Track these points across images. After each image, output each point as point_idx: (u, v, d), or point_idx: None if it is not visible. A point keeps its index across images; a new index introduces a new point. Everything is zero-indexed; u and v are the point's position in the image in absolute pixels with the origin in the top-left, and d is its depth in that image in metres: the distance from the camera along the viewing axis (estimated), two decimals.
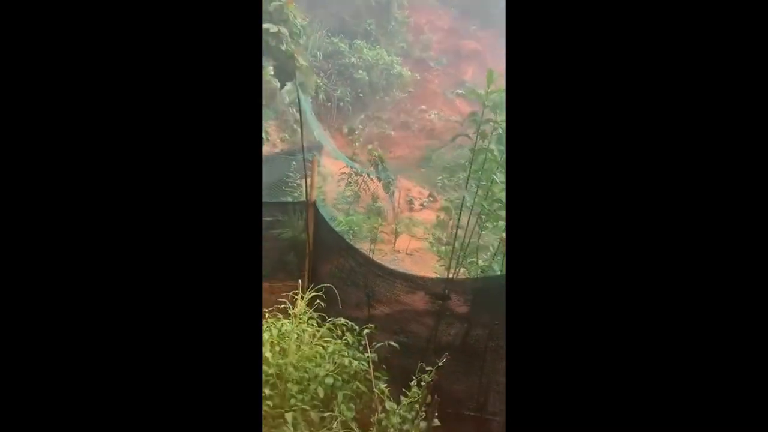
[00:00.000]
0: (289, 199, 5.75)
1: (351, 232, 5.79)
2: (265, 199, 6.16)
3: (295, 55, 7.18)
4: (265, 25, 6.76)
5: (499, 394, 2.66)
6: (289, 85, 6.92)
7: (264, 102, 7.96)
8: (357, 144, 9.14)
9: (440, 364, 2.38)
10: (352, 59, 12.97)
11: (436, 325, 3.06)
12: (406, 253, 6.87)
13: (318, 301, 3.04)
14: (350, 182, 7.80)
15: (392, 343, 2.93)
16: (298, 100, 4.95)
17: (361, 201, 7.97)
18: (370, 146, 8.53)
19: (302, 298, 2.72)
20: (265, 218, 4.77)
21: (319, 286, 2.95)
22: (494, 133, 3.35)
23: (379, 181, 7.97)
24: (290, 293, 2.84)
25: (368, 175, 7.67)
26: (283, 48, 7.01)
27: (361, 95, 12.89)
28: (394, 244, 7.49)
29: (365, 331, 2.86)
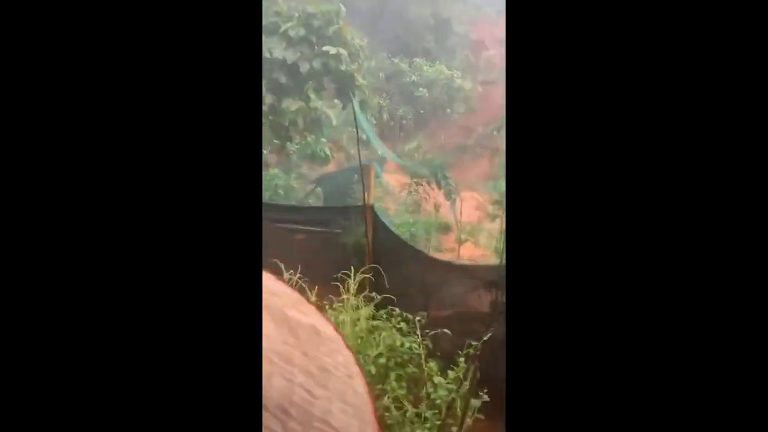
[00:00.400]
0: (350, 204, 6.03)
1: (409, 234, 5.94)
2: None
3: (354, 74, 7.62)
4: (324, 48, 7.28)
5: None
6: (357, 108, 7.33)
7: (328, 121, 8.44)
8: (416, 155, 9.38)
9: (485, 338, 2.43)
10: (413, 77, 13.36)
11: (492, 309, 3.10)
12: (470, 261, 6.87)
13: (374, 293, 3.21)
14: (411, 192, 7.99)
15: (446, 330, 3.00)
16: (354, 113, 5.25)
17: (423, 210, 8.11)
18: (429, 155, 8.69)
19: (354, 280, 2.91)
20: (327, 228, 5.06)
21: (367, 267, 3.12)
22: None
23: (440, 189, 8.09)
24: (340, 274, 3.03)
25: (428, 183, 7.83)
26: (343, 68, 7.48)
27: (421, 112, 13.18)
28: (458, 252, 7.51)
29: (417, 318, 2.97)
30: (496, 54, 15.81)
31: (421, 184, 8.08)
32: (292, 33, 7.38)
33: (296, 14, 7.43)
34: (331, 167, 9.35)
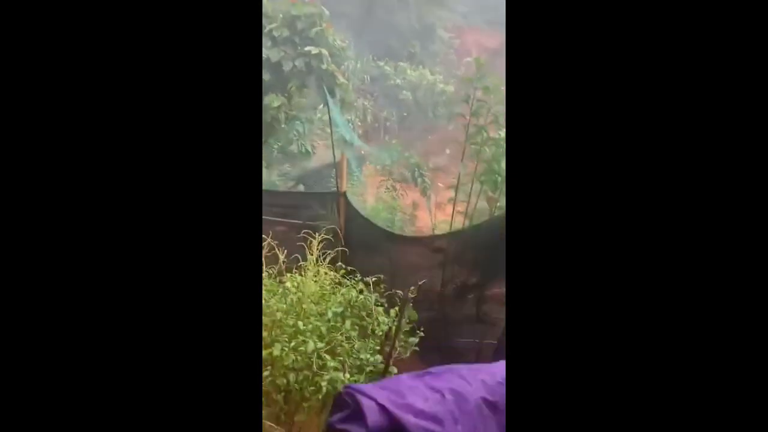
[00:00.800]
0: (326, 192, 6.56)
1: (383, 224, 6.50)
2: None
3: (335, 73, 8.21)
4: (307, 48, 7.87)
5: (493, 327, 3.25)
6: (330, 103, 7.93)
7: (310, 118, 9.02)
8: (395, 153, 9.99)
9: (420, 283, 3.00)
10: (397, 81, 14.03)
11: (442, 274, 3.68)
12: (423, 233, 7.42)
13: (331, 254, 3.76)
14: (389, 189, 8.56)
15: (398, 291, 3.56)
16: (328, 110, 5.83)
17: (399, 207, 8.67)
18: (407, 153, 9.30)
19: (317, 241, 3.45)
20: (303, 219, 5.59)
21: (328, 227, 3.67)
22: (489, 114, 3.99)
23: (416, 187, 8.69)
24: (302, 233, 3.58)
25: (405, 182, 8.43)
26: (324, 67, 8.06)
27: (405, 114, 13.84)
28: None
29: (373, 280, 3.52)
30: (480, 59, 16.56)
31: (399, 182, 8.68)
32: (276, 33, 7.97)
33: (280, 15, 8.02)
34: (313, 163, 9.89)
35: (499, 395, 0.82)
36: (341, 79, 8.30)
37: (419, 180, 8.51)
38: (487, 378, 1.01)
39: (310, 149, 9.23)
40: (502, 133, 3.79)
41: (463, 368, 1.08)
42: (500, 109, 3.95)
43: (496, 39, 17.67)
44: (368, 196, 8.67)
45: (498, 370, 1.06)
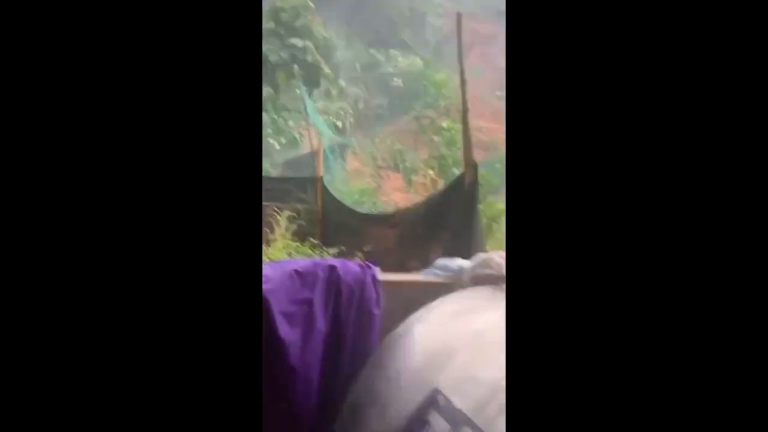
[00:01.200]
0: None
1: (353, 202, 7.21)
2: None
3: (320, 65, 8.88)
4: (292, 40, 8.53)
5: None
6: (305, 95, 8.53)
7: (295, 108, 9.70)
8: (376, 140, 10.64)
9: (366, 250, 3.71)
10: (389, 68, 14.65)
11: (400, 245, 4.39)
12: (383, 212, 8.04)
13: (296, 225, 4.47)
14: (374, 175, 9.26)
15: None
16: (304, 101, 6.49)
17: (383, 193, 9.37)
18: (389, 141, 9.97)
19: (283, 219, 4.17)
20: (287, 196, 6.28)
21: (297, 209, 4.40)
22: (442, 106, 4.68)
23: (400, 172, 9.37)
24: (271, 211, 4.30)
25: (389, 169, 9.11)
26: (309, 59, 8.74)
27: (397, 102, 14.47)
28: None
29: (335, 251, 4.24)
30: (476, 50, 17.06)
31: (384, 168, 9.37)
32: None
33: (266, 8, 8.69)
34: (300, 151, 10.60)
35: (304, 267, 1.50)
36: (326, 70, 8.97)
37: (401, 166, 9.19)
38: (299, 260, 1.75)
39: (297, 137, 9.92)
40: (448, 123, 4.46)
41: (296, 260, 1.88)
42: (450, 102, 4.62)
43: (492, 26, 18.16)
44: (352, 182, 9.36)
45: (317, 260, 1.83)
